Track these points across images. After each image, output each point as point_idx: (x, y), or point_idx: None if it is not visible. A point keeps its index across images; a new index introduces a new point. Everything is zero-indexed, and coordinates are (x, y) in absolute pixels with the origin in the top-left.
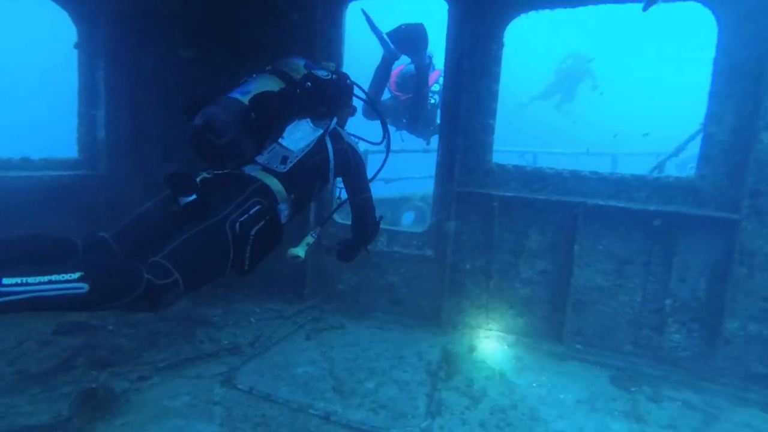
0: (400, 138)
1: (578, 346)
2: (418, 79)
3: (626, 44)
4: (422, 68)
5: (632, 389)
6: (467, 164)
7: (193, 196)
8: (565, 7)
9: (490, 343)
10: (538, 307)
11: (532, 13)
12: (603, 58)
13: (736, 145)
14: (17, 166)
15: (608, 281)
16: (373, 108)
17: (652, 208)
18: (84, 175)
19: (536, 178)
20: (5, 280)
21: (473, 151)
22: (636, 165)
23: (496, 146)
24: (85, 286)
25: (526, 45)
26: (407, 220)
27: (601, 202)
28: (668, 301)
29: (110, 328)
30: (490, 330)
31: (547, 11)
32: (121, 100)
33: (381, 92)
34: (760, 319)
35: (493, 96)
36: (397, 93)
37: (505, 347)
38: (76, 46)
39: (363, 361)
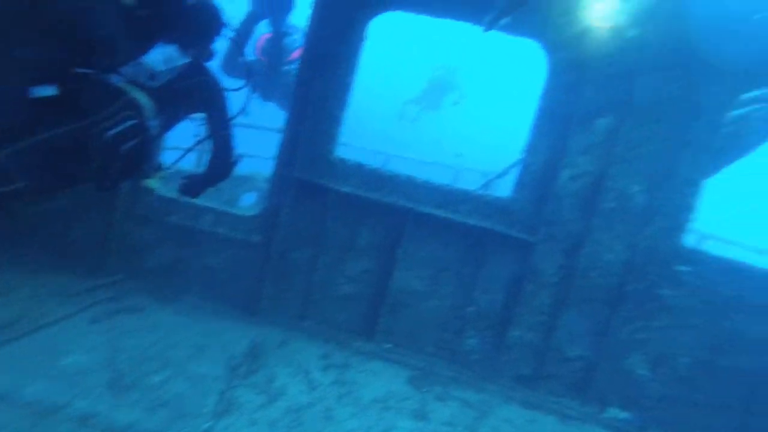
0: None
1: (387, 346)
2: (272, 43)
3: (496, 60)
4: (278, 33)
5: (424, 389)
6: (310, 152)
7: (54, 90)
8: (428, 15)
9: (305, 338)
10: (357, 304)
11: (410, 15)
12: (471, 71)
13: (544, 176)
14: None
15: (424, 286)
16: (240, 49)
17: (471, 222)
18: None
19: (375, 178)
20: None
21: (318, 140)
22: (475, 181)
23: (349, 141)
24: None
25: (406, 50)
26: (247, 201)
27: (428, 210)
28: (470, 309)
29: None
30: (308, 324)
31: (412, 13)
32: None
33: (242, 46)
34: (536, 329)
35: (346, 88)
36: (262, 57)
37: (320, 343)
38: None
39: (157, 350)
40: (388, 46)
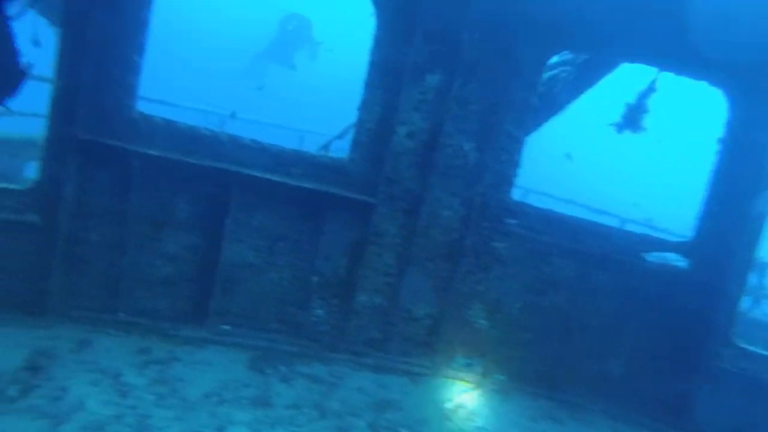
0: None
1: (225, 327)
2: None
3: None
4: None
5: (268, 371)
6: (100, 106)
7: None
8: None
9: (115, 334)
10: (182, 286)
11: None
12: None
13: (380, 134)
14: None
15: (259, 258)
16: None
17: (307, 185)
18: None
19: (190, 137)
20: None
21: (110, 90)
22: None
23: (169, 99)
24: None
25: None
26: (34, 172)
27: (257, 174)
28: (314, 279)
29: None
30: (121, 316)
31: None
32: None
33: None
34: (383, 292)
35: (140, 26)
36: None
37: (136, 337)
38: None
39: None
40: None
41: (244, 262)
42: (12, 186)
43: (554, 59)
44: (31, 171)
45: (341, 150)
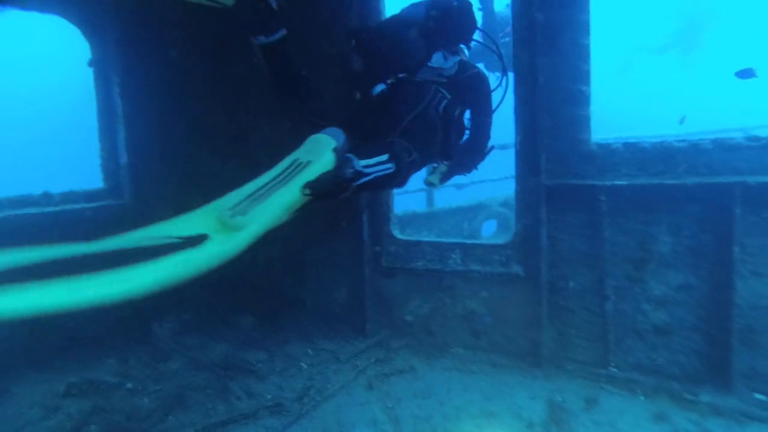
0: None
1: (759, 397)
2: (484, 14)
3: None
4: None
5: None
6: (556, 148)
7: (383, 87)
8: None
9: (617, 393)
10: (681, 337)
11: None
12: None
13: None
14: (36, 202)
15: None
16: (490, 46)
17: None
18: (106, 206)
19: (659, 156)
20: (360, 162)
21: (562, 130)
22: None
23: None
24: (392, 166)
25: None
26: (488, 231)
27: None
28: None
29: (129, 385)
30: (614, 371)
31: None
32: (142, 118)
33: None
34: None
35: (582, 54)
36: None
37: (641, 398)
38: (90, 64)
39: (439, 420)
40: None
41: None
42: (497, 241)
43: None
44: (486, 230)
45: None
